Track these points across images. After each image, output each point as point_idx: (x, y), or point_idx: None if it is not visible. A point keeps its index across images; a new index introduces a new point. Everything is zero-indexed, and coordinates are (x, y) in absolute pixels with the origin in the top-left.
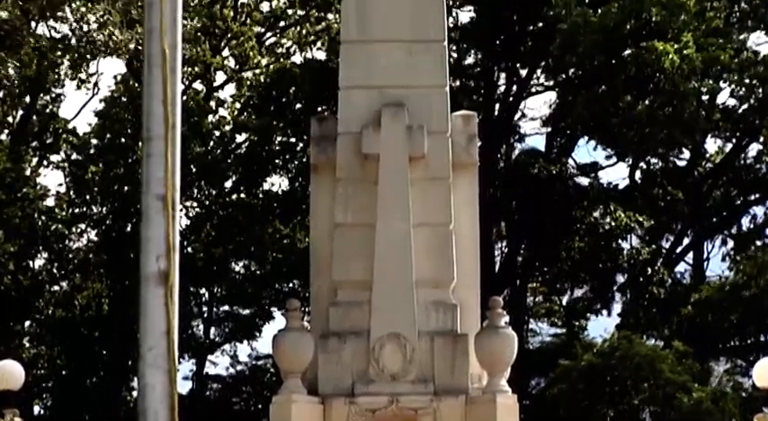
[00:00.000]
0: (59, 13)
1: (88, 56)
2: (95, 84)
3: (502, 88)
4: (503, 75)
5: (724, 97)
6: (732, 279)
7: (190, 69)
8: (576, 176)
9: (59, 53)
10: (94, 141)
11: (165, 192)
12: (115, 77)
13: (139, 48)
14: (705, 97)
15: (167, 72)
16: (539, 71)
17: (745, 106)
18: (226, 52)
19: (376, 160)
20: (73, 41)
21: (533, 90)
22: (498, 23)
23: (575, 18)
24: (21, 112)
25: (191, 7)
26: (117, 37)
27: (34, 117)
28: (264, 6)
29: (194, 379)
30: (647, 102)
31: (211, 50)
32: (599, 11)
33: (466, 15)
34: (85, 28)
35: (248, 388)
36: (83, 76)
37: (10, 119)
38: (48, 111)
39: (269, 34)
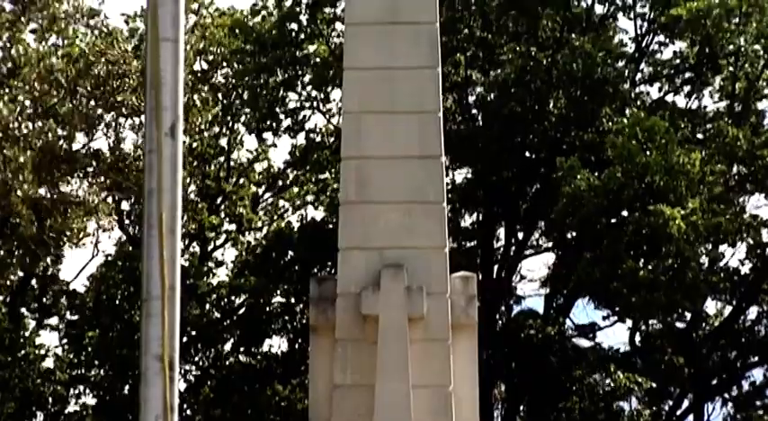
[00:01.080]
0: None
1: (78, 220)
2: (96, 244)
3: (501, 250)
4: (501, 234)
5: (724, 259)
6: None
7: (185, 230)
8: (574, 337)
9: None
10: (90, 304)
11: (163, 352)
12: (119, 243)
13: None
14: (704, 259)
15: (167, 233)
16: (537, 233)
17: (745, 269)
18: (222, 214)
19: (375, 321)
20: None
21: (531, 251)
22: (495, 184)
23: (578, 182)
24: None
25: (186, 168)
26: (109, 204)
27: (33, 281)
28: (260, 166)
29: None
30: (649, 266)
31: (207, 211)
32: (604, 172)
33: (462, 176)
34: (81, 193)
35: None
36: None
37: (8, 282)
38: (48, 273)
39: (268, 194)
